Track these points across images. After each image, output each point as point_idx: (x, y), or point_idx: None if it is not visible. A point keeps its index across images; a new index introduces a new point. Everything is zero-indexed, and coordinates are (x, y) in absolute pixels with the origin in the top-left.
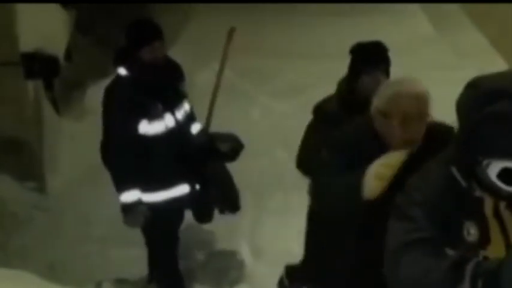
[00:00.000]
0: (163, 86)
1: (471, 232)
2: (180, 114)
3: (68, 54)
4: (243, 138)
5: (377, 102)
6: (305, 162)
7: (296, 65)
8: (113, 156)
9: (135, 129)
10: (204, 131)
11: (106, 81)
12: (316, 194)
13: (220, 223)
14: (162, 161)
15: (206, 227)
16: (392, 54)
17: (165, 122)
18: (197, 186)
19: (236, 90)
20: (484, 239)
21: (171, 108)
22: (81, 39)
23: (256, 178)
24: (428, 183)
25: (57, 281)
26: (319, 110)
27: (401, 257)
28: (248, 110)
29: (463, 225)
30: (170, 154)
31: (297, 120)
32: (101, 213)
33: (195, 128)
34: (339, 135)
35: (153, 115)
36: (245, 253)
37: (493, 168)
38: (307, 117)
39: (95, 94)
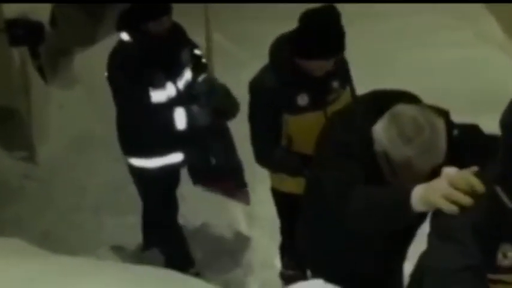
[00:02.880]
0: (166, 56)
1: (508, 255)
2: (181, 83)
3: (53, 20)
4: None
5: (386, 145)
6: (269, 157)
7: (289, 27)
8: (121, 122)
9: (144, 97)
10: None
11: (93, 49)
12: (347, 210)
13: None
14: (160, 130)
15: (200, 194)
16: (387, 17)
17: (167, 92)
18: (192, 155)
19: (228, 55)
20: None
21: (173, 77)
22: (67, 6)
23: (248, 143)
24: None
25: (51, 249)
26: (258, 90)
27: (449, 284)
28: (240, 73)
29: (498, 248)
30: (169, 123)
31: None
32: (93, 182)
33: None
34: (335, 141)
35: (156, 84)
36: (240, 220)
37: None
38: None
39: (83, 62)
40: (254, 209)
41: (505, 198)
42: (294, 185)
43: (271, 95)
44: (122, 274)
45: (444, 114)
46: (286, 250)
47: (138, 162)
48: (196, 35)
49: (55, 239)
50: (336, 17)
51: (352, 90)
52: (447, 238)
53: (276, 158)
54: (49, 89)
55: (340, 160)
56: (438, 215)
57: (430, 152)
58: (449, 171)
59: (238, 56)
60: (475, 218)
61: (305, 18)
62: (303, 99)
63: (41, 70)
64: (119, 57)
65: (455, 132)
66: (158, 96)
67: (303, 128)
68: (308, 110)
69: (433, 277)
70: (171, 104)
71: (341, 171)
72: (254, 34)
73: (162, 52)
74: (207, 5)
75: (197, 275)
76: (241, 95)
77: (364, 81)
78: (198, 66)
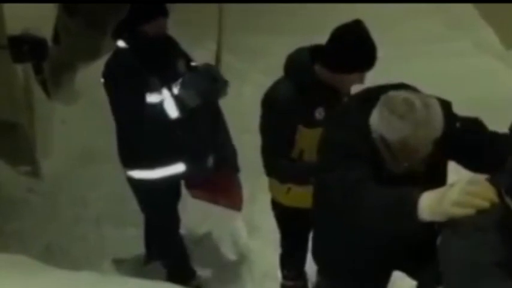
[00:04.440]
0: (162, 61)
1: None
2: (177, 90)
3: (56, 37)
4: (236, 115)
5: (382, 128)
6: (283, 170)
7: (288, 41)
8: (120, 131)
9: (140, 101)
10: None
11: (97, 64)
12: (356, 210)
13: None
14: (157, 137)
15: (201, 205)
16: (385, 26)
17: (162, 97)
18: (192, 166)
19: (228, 68)
20: None
21: (169, 83)
22: (69, 21)
23: (251, 155)
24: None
25: (54, 263)
26: (275, 102)
27: (480, 277)
28: (240, 87)
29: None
30: (165, 130)
31: None
32: (95, 195)
33: None
34: (333, 138)
35: (151, 88)
36: (241, 230)
37: None
38: None
39: (86, 76)
40: (255, 220)
41: None
42: (296, 198)
43: (290, 108)
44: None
45: (446, 104)
46: (286, 262)
47: (138, 174)
48: (197, 49)
49: (58, 252)
50: (367, 30)
51: None
52: (472, 237)
53: (285, 169)
54: (52, 104)
55: (342, 160)
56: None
57: (424, 127)
58: (460, 179)
59: (238, 68)
60: (496, 218)
61: (341, 33)
62: (320, 113)
63: (44, 85)
64: (115, 63)
65: (458, 124)
66: (153, 100)
67: (316, 141)
68: (323, 124)
69: (461, 269)
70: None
71: (344, 170)
72: (253, 46)
73: (158, 58)
74: (220, 15)
75: (199, 287)
76: (243, 108)
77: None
78: None
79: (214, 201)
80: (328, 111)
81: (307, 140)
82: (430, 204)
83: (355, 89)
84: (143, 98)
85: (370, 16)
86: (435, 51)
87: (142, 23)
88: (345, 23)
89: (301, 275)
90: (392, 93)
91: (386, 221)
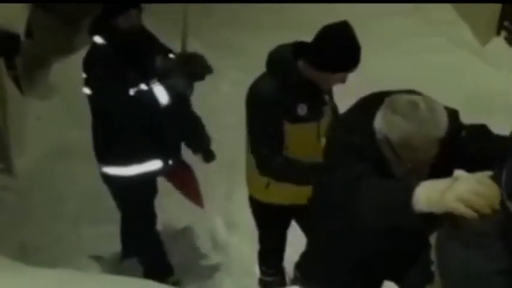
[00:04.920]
0: (139, 56)
1: None
2: (153, 85)
3: (29, 31)
4: (213, 112)
5: (386, 129)
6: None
7: (266, 38)
8: (95, 127)
9: (120, 96)
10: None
11: (71, 59)
12: (356, 207)
13: None
14: (134, 133)
15: (178, 201)
16: (362, 24)
17: (140, 93)
18: (170, 162)
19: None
20: None
21: (146, 78)
22: (43, 16)
23: (229, 151)
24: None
25: (29, 262)
26: (260, 98)
27: None
28: (217, 83)
29: None
30: (143, 126)
31: None
32: (71, 192)
33: None
34: (338, 140)
35: (129, 83)
36: (219, 226)
37: None
38: None
39: (60, 71)
40: (233, 216)
41: None
42: (275, 195)
43: (274, 104)
44: (100, 285)
45: (453, 113)
46: (264, 258)
47: (114, 170)
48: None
49: (33, 251)
50: (353, 31)
51: (333, 103)
52: (473, 243)
53: (281, 166)
54: (26, 99)
55: (349, 160)
56: (451, 221)
57: (428, 126)
58: (465, 174)
59: (215, 64)
60: (497, 225)
61: (329, 32)
62: (302, 110)
63: (17, 81)
64: (93, 59)
65: (463, 133)
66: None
67: (299, 138)
68: (305, 120)
69: (461, 279)
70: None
71: (350, 167)
72: (230, 43)
73: (136, 53)
74: (186, 10)
75: (176, 283)
76: (220, 104)
77: (336, 87)
78: None
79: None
80: (310, 108)
81: (291, 137)
82: (430, 195)
83: (336, 87)
84: (125, 92)
85: (348, 14)
86: (412, 47)
87: (115, 16)
88: (333, 23)
89: (280, 271)
90: (396, 95)
91: (382, 211)
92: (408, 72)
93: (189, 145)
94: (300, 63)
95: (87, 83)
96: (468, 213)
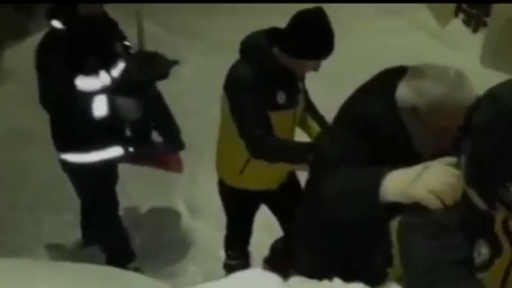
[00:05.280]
0: (99, 42)
1: (482, 252)
2: (115, 72)
3: None
4: (176, 96)
5: (414, 97)
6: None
7: (227, 23)
8: (52, 113)
9: (72, 84)
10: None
11: (26, 43)
12: (325, 193)
13: (154, 179)
14: (95, 120)
15: (141, 182)
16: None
17: (100, 79)
18: (131, 149)
19: (167, 48)
20: (492, 258)
21: (107, 65)
22: None
23: (192, 136)
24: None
25: None
26: (240, 83)
27: (442, 279)
28: (180, 68)
29: (474, 247)
30: (106, 115)
31: None
32: (28, 180)
33: None
34: (355, 110)
35: (88, 71)
36: (182, 210)
37: None
38: None
39: (14, 56)
40: (196, 200)
41: (477, 201)
42: (248, 181)
43: (254, 91)
44: (60, 273)
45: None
46: (231, 242)
47: (74, 157)
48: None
49: None
50: (327, 18)
51: (305, 90)
52: (434, 234)
53: (275, 147)
54: None
55: (350, 136)
56: (415, 210)
57: (457, 89)
58: (432, 163)
59: (177, 49)
60: (459, 216)
61: (303, 19)
62: (281, 97)
63: None
64: (49, 44)
65: None
66: (91, 83)
67: (276, 125)
68: (283, 108)
69: (423, 272)
70: (105, 92)
71: (342, 146)
72: (192, 28)
73: (96, 39)
74: (139, 10)
75: (138, 269)
76: (183, 89)
77: None
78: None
79: (154, 165)
80: (288, 95)
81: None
82: (398, 184)
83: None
84: (78, 76)
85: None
86: (372, 29)
87: (75, 2)
88: (307, 9)
89: (245, 254)
90: (418, 66)
91: (349, 201)
92: (369, 54)
93: (159, 133)
94: (275, 50)
95: (39, 67)
96: (437, 204)
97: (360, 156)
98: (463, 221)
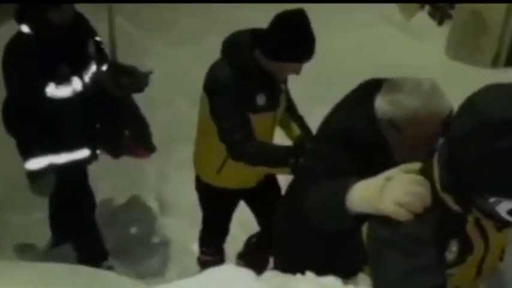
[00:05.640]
0: (70, 49)
1: (452, 250)
2: (88, 77)
3: None
4: None
5: (391, 109)
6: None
7: (191, 15)
8: (17, 121)
9: (41, 92)
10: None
11: None
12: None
13: (124, 176)
14: (67, 125)
15: (111, 179)
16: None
17: (73, 86)
18: (97, 151)
19: (131, 40)
20: (462, 255)
21: (79, 71)
22: None
23: (159, 130)
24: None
25: None
26: (221, 84)
27: None
28: (143, 59)
29: (447, 244)
30: (74, 119)
31: (194, 69)
32: None
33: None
34: (336, 123)
35: (60, 79)
36: (152, 206)
37: (504, 206)
38: (205, 65)
39: None
40: (168, 197)
41: (452, 205)
42: (226, 179)
43: (234, 93)
44: (31, 274)
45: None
46: (206, 239)
47: (42, 162)
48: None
49: None
50: (309, 21)
51: (288, 93)
52: (409, 251)
53: (256, 151)
54: None
55: (334, 147)
56: (384, 221)
57: (433, 100)
58: (395, 172)
59: (140, 40)
60: (431, 221)
61: (283, 21)
62: (261, 99)
63: None
64: (16, 50)
65: None
66: (63, 91)
67: (256, 128)
68: (264, 110)
69: (389, 281)
70: (77, 98)
71: (326, 158)
72: (156, 19)
73: (66, 45)
74: (112, 14)
75: (111, 268)
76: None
77: None
78: (100, 54)
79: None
80: (269, 98)
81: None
82: (364, 197)
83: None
84: (43, 92)
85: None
86: (341, 23)
87: (45, 8)
88: (288, 10)
89: (220, 250)
90: (394, 79)
91: (322, 212)
92: (335, 47)
93: (132, 136)
94: (257, 52)
95: (5, 73)
96: (406, 216)
97: (344, 169)
98: (436, 224)
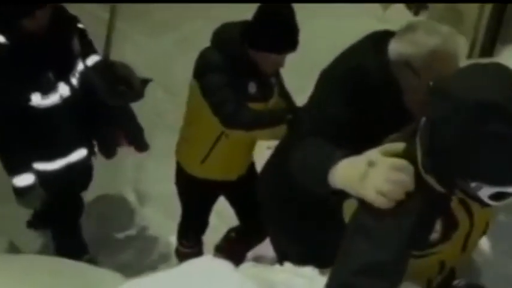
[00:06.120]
0: (52, 54)
1: (436, 229)
2: (75, 79)
3: None
4: None
5: (408, 50)
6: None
7: (170, 3)
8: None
9: (24, 102)
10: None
11: None
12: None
13: (101, 167)
14: (57, 131)
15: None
16: None
17: (60, 92)
18: (95, 149)
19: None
20: (447, 233)
21: (65, 75)
22: None
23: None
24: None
25: None
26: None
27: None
28: (122, 48)
29: (433, 225)
30: (66, 123)
31: (172, 58)
32: None
33: (93, 59)
34: (340, 68)
35: (46, 87)
36: (130, 197)
37: (485, 191)
38: (182, 53)
39: None
40: (144, 187)
41: (434, 185)
42: (209, 170)
43: (224, 73)
44: (10, 265)
45: None
46: (186, 230)
47: (40, 166)
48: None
49: None
50: (293, 14)
51: (283, 87)
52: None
53: (251, 116)
54: None
55: (333, 94)
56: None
57: (451, 39)
58: (377, 155)
59: (119, 28)
60: (414, 204)
61: (265, 11)
62: (252, 88)
63: None
64: None
65: None
66: (50, 99)
67: None
68: (255, 100)
69: (343, 275)
70: (66, 103)
71: (325, 111)
72: (134, 7)
73: (47, 51)
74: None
75: (92, 260)
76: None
77: None
78: (85, 45)
79: None
80: (260, 87)
81: None
82: (346, 176)
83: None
84: (26, 102)
85: None
86: (320, 14)
87: (19, 18)
88: (275, 3)
89: (199, 242)
90: (411, 22)
91: (306, 175)
92: (313, 38)
93: (124, 135)
94: (245, 44)
95: None
96: (388, 204)
97: (342, 122)
98: (418, 210)
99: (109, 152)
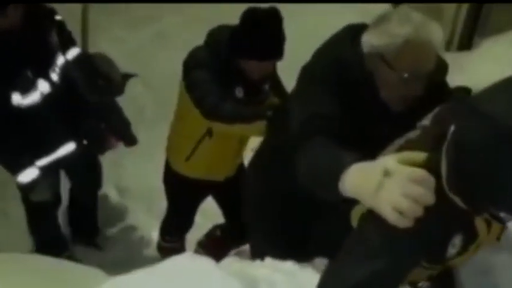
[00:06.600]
0: (28, 51)
1: (456, 243)
2: (55, 74)
3: None
4: None
5: (380, 41)
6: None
7: None
8: None
9: (4, 103)
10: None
11: None
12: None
13: None
14: (42, 128)
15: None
16: None
17: (40, 90)
18: (84, 141)
19: (86, 21)
20: (465, 248)
21: (44, 71)
22: None
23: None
24: None
25: None
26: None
27: None
28: (99, 41)
29: (450, 241)
30: (51, 119)
31: (150, 51)
32: None
33: (73, 52)
34: (321, 63)
35: (25, 86)
36: (110, 192)
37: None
38: (161, 47)
39: None
40: (124, 182)
41: (459, 202)
42: (194, 168)
43: (210, 70)
44: None
45: (443, 67)
46: (170, 227)
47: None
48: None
49: None
50: (280, 21)
51: (284, 93)
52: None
53: (232, 109)
54: None
55: (318, 90)
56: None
57: (425, 29)
58: (394, 164)
59: (96, 22)
60: (432, 219)
61: (249, 18)
62: (239, 92)
63: None
64: None
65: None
66: (30, 98)
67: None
68: (242, 104)
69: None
70: (46, 101)
71: (314, 106)
72: (114, 2)
73: (23, 48)
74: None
75: (71, 257)
76: None
77: None
78: (64, 37)
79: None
80: (249, 92)
81: None
82: (359, 188)
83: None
84: (6, 102)
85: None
86: (307, 10)
87: None
88: (261, 8)
89: (181, 238)
90: (384, 12)
91: (313, 179)
92: (300, 35)
93: (111, 130)
94: (230, 49)
95: None
96: (404, 224)
97: (332, 118)
98: (439, 223)
99: (98, 147)
